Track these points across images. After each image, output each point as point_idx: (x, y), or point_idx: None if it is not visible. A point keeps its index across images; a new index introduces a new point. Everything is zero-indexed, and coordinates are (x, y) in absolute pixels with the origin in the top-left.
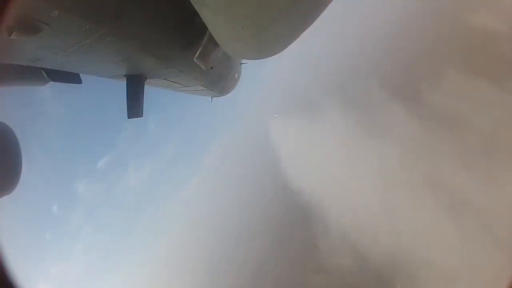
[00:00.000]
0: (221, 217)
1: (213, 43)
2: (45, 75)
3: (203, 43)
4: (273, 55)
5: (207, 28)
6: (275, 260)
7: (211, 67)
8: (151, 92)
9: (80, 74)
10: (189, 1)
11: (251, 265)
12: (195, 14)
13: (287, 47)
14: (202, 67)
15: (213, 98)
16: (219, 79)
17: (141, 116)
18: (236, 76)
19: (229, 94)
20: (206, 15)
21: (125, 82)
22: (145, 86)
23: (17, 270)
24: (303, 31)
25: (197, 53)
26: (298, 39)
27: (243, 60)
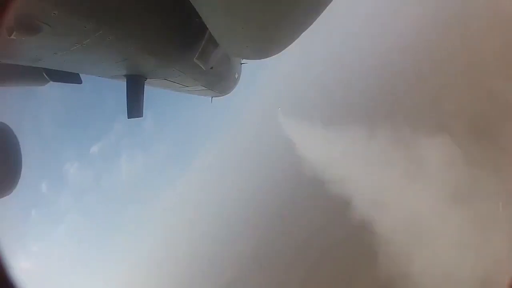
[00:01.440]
0: (210, 214)
1: (213, 43)
2: (45, 75)
3: (203, 43)
4: (273, 55)
5: (207, 28)
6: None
7: (211, 67)
8: (151, 89)
9: (80, 74)
10: (189, 1)
11: (239, 264)
12: (195, 14)
13: (287, 47)
14: (202, 67)
15: (213, 98)
16: (219, 79)
17: (141, 116)
18: (236, 76)
19: (229, 94)
20: (206, 15)
21: (125, 82)
22: (145, 86)
23: None
24: (303, 31)
25: (197, 53)
26: (298, 39)
27: (243, 60)
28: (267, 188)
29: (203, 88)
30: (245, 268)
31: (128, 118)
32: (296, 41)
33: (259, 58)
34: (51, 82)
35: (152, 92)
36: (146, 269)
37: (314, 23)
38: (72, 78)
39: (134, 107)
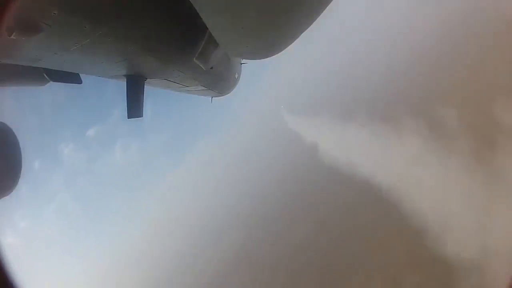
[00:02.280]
0: (200, 208)
1: (213, 43)
2: (45, 75)
3: (203, 43)
4: (273, 55)
5: (207, 28)
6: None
7: (211, 67)
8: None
9: (80, 74)
10: (189, 1)
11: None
12: (195, 14)
13: (287, 47)
14: (202, 67)
15: (213, 98)
16: (219, 79)
17: (141, 116)
18: (236, 76)
19: (229, 94)
20: (206, 15)
21: (125, 82)
22: (145, 86)
23: None
24: (303, 31)
25: (197, 53)
26: (298, 39)
27: (243, 60)
28: (262, 187)
29: (203, 88)
30: (229, 267)
31: (128, 118)
32: (296, 41)
33: (259, 58)
34: (51, 82)
35: (153, 89)
36: (129, 255)
37: (314, 23)
38: (72, 78)
39: (134, 107)
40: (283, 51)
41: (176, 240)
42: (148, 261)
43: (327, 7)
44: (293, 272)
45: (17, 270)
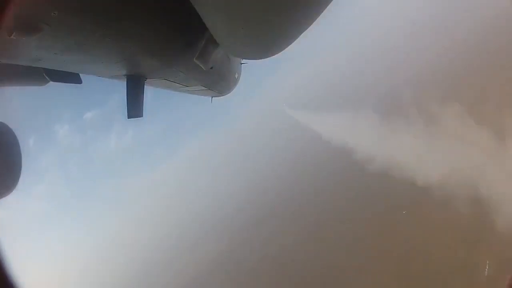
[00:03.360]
0: (189, 203)
1: (213, 43)
2: (45, 75)
3: (203, 43)
4: (273, 55)
5: (207, 28)
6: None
7: (211, 67)
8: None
9: (80, 74)
10: (189, 1)
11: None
12: (195, 14)
13: (287, 47)
14: (202, 67)
15: (213, 98)
16: (219, 79)
17: (141, 116)
18: (236, 76)
19: (229, 94)
20: (206, 15)
21: (125, 82)
22: (145, 86)
23: None
24: (304, 31)
25: (197, 53)
26: (298, 39)
27: (243, 60)
28: (260, 186)
29: (203, 88)
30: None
31: (128, 118)
32: (296, 41)
33: (259, 58)
34: (51, 82)
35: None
36: (112, 242)
37: (314, 23)
38: (72, 78)
39: (134, 107)
40: (283, 51)
41: (163, 231)
42: (132, 249)
43: (327, 7)
44: (292, 271)
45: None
